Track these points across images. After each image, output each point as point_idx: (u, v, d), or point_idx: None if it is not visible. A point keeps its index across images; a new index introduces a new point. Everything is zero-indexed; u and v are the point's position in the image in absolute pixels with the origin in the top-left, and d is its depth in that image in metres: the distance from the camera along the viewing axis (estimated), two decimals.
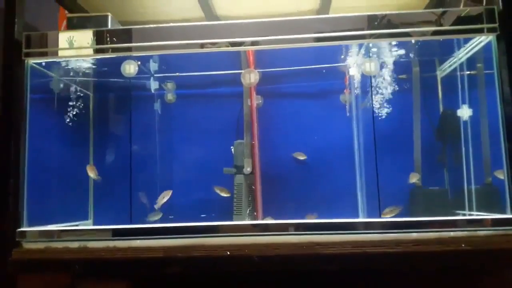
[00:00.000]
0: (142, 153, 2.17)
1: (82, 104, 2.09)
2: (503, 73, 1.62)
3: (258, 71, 1.94)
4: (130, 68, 1.73)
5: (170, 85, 2.24)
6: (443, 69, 2.17)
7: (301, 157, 2.07)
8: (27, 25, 1.75)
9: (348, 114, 2.23)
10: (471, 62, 1.95)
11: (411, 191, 2.13)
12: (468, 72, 2.02)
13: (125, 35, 1.69)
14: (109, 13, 1.81)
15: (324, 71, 2.16)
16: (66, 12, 2.19)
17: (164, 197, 2.02)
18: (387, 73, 2.03)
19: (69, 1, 2.14)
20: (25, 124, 1.71)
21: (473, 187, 1.98)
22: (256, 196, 1.95)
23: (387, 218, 1.58)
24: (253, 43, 1.65)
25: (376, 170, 1.89)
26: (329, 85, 2.27)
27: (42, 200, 1.92)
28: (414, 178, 1.97)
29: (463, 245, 1.50)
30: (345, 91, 2.23)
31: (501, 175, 1.76)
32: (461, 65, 2.01)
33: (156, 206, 2.03)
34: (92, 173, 2.05)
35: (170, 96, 2.27)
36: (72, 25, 1.81)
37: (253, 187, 1.95)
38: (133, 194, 2.02)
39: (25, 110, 1.72)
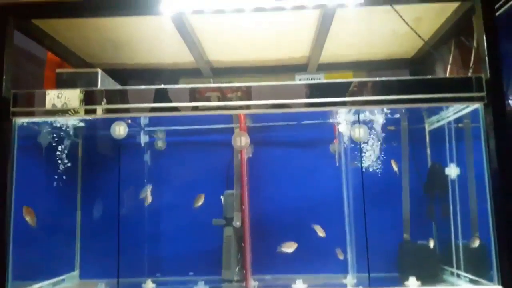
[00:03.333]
0: (130, 203, 2.14)
1: (70, 155, 2.06)
2: (490, 140, 1.64)
3: (250, 124, 1.94)
4: (120, 130, 1.71)
5: (160, 133, 2.23)
6: (431, 122, 2.19)
7: (321, 233, 2.04)
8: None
9: (337, 164, 2.24)
10: (459, 119, 1.98)
11: (400, 245, 2.13)
12: (456, 125, 2.05)
13: (116, 95, 1.67)
14: (99, 70, 1.80)
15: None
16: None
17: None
18: (376, 129, 2.05)
19: (60, 49, 2.12)
20: (11, 182, 1.68)
21: (460, 243, 1.99)
22: (245, 253, 1.93)
23: None
24: (246, 107, 1.65)
25: (365, 224, 1.89)
26: (319, 134, 2.28)
27: (28, 254, 1.88)
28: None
29: None
30: (334, 141, 2.24)
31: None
32: (449, 121, 2.04)
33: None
34: (28, 216, 1.79)
35: (160, 143, 2.25)
36: (62, 81, 1.79)
37: (242, 244, 1.94)
38: (120, 245, 1.99)
39: (12, 166, 1.69)
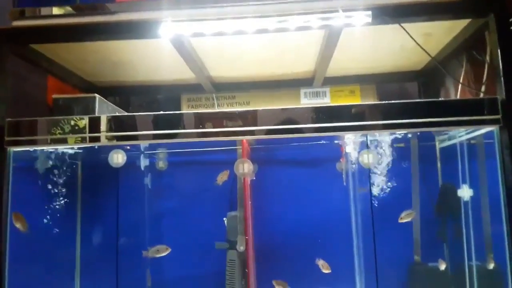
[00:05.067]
0: (130, 226, 2.09)
1: (68, 179, 2.01)
2: (506, 163, 1.56)
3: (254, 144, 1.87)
4: (118, 158, 1.65)
5: (161, 153, 2.16)
6: (443, 140, 2.11)
7: (326, 269, 1.95)
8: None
9: (344, 183, 2.17)
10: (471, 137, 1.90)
11: (410, 267, 2.07)
12: (468, 142, 1.97)
13: (118, 122, 1.60)
14: (96, 95, 1.74)
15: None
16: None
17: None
18: (384, 147, 1.98)
19: (58, 70, 2.06)
20: (6, 212, 1.63)
21: (474, 264, 1.92)
22: (249, 278, 1.87)
23: None
24: (250, 133, 1.57)
25: (374, 245, 1.83)
26: (325, 153, 2.21)
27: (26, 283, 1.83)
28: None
29: None
30: (341, 159, 2.17)
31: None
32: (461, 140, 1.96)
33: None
34: (18, 223, 1.68)
35: (161, 164, 2.19)
36: (58, 106, 1.73)
37: (246, 270, 1.88)
38: (121, 269, 1.94)
39: (7, 195, 1.63)
